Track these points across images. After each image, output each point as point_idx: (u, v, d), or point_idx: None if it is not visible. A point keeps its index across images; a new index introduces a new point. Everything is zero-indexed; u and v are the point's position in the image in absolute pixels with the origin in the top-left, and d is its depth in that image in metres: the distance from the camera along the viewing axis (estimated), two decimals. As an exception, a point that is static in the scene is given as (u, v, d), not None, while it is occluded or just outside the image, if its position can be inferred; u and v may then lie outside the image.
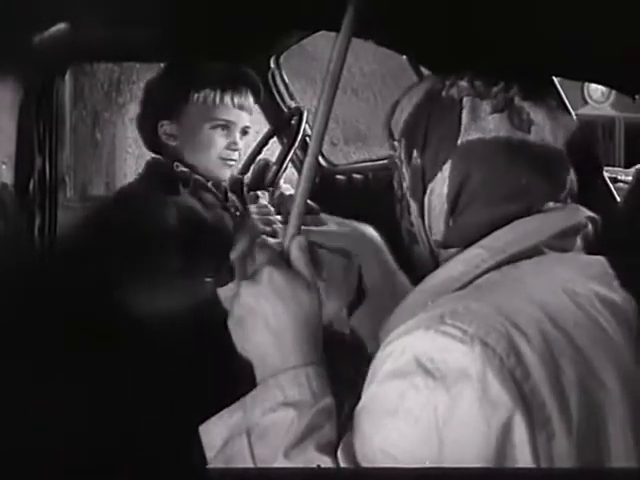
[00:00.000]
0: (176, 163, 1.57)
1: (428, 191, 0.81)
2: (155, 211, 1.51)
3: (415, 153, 0.81)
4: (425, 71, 1.80)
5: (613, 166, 5.13)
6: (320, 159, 2.57)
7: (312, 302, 0.73)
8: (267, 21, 1.63)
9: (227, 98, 1.56)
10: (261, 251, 0.75)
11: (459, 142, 0.78)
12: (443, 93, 0.81)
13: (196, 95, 1.55)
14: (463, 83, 0.80)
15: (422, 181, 0.81)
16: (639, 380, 0.69)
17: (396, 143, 0.85)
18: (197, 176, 1.58)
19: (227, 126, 1.57)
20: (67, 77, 2.08)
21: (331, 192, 2.49)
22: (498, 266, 0.74)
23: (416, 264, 0.86)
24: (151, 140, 1.63)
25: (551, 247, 0.75)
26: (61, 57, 1.88)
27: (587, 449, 0.62)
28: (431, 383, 0.61)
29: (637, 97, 0.99)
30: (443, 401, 0.61)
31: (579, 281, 0.71)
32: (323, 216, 0.96)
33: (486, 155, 0.77)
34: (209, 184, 1.61)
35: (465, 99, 0.79)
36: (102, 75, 3.71)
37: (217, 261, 0.85)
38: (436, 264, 0.82)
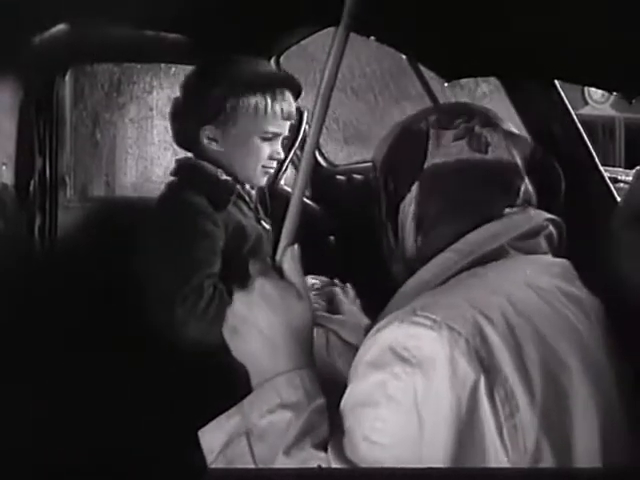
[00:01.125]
0: (220, 170, 1.52)
1: (400, 211, 0.91)
2: (206, 222, 1.44)
3: (389, 179, 0.93)
4: (425, 71, 1.80)
5: (613, 166, 5.13)
6: (320, 159, 2.57)
7: (303, 310, 0.77)
8: (267, 21, 1.63)
9: (277, 107, 1.50)
10: (254, 263, 0.79)
11: (425, 166, 0.89)
12: (414, 127, 0.93)
13: (246, 102, 1.48)
14: (432, 117, 0.93)
15: (394, 203, 0.92)
16: (602, 363, 0.75)
17: (377, 175, 0.96)
18: (239, 186, 1.53)
19: (274, 137, 1.53)
20: (67, 77, 2.07)
21: (331, 192, 2.49)
22: (468, 267, 0.82)
23: (398, 281, 0.92)
24: (188, 139, 1.56)
25: (516, 248, 0.83)
26: (61, 58, 1.88)
27: (551, 423, 0.68)
28: (409, 369, 0.68)
29: (634, 101, 1.01)
30: (421, 383, 0.67)
31: (543, 278, 0.79)
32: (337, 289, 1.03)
33: (448, 176, 0.88)
34: (247, 195, 1.57)
35: (431, 131, 0.91)
36: (102, 76, 3.71)
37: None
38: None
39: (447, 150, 0.89)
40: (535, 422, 0.66)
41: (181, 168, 1.58)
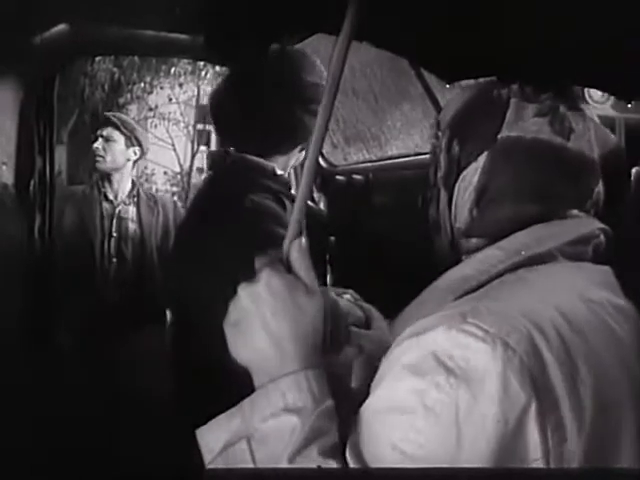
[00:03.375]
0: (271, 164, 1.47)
1: (460, 179, 0.84)
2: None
3: (455, 142, 0.85)
4: (426, 73, 1.80)
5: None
6: (320, 160, 2.57)
7: (311, 306, 0.72)
8: (265, 24, 1.63)
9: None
10: (260, 255, 0.75)
11: (499, 137, 0.82)
12: (494, 92, 0.85)
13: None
14: (514, 86, 0.84)
15: (457, 169, 0.85)
16: None
17: (440, 133, 0.89)
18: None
19: None
20: (68, 78, 2.07)
21: (331, 193, 2.49)
22: (513, 268, 0.76)
23: (436, 255, 0.88)
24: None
25: (564, 254, 0.77)
26: (62, 58, 1.88)
27: (596, 451, 0.63)
28: (453, 380, 0.62)
29: (633, 103, 1.00)
30: (465, 398, 0.61)
31: (592, 288, 0.73)
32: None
33: (522, 153, 0.81)
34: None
35: (513, 100, 0.83)
36: (102, 75, 3.71)
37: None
38: (455, 255, 0.85)
39: (525, 125, 0.81)
40: (580, 450, 0.62)
41: (231, 163, 1.48)
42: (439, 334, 0.65)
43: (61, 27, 1.62)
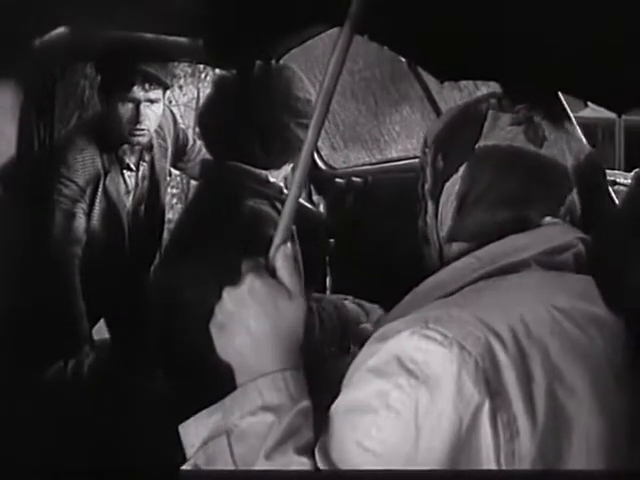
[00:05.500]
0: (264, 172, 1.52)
1: (444, 191, 0.89)
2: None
3: (439, 157, 0.91)
4: (425, 75, 1.81)
5: (613, 169, 5.14)
6: (319, 163, 2.57)
7: (292, 310, 0.76)
8: (268, 23, 1.63)
9: None
10: (246, 259, 0.78)
11: (476, 147, 0.87)
12: (473, 107, 0.91)
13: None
14: (493, 100, 0.90)
15: (441, 182, 0.90)
16: (618, 392, 0.73)
17: (427, 149, 0.94)
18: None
19: None
20: (67, 80, 2.07)
21: (331, 195, 2.50)
22: (488, 276, 0.80)
23: (424, 264, 0.91)
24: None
25: (540, 263, 0.81)
26: (61, 61, 1.88)
27: (548, 449, 0.67)
28: (414, 382, 0.66)
29: (623, 116, 1.01)
30: (424, 398, 0.66)
31: (562, 297, 0.76)
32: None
33: (497, 160, 0.85)
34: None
35: (490, 112, 0.88)
36: (102, 78, 3.70)
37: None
38: (442, 263, 0.88)
39: (501, 133, 0.86)
40: (533, 448, 0.66)
41: (224, 171, 1.53)
42: (402, 339, 0.69)
43: (61, 30, 1.62)
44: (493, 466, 0.65)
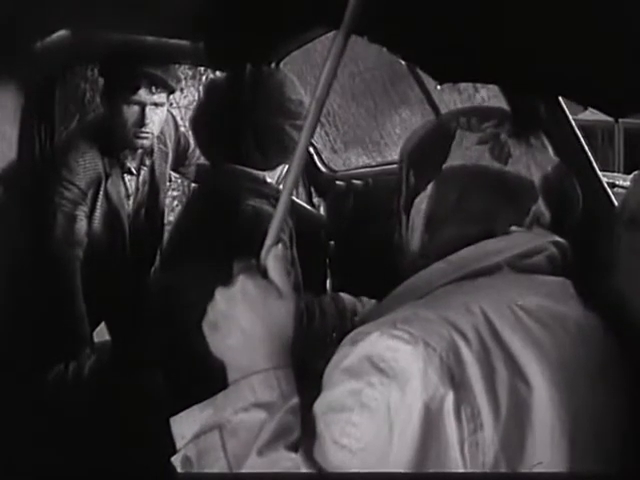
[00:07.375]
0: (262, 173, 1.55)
1: (413, 207, 0.93)
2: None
3: (411, 173, 0.94)
4: (424, 77, 1.81)
5: (612, 172, 5.14)
6: (320, 165, 2.58)
7: (283, 310, 0.78)
8: (268, 25, 1.64)
9: None
10: (238, 261, 0.80)
11: (444, 167, 0.90)
12: (444, 125, 0.94)
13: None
14: (462, 119, 0.93)
15: (411, 198, 0.94)
16: (586, 386, 0.76)
17: (402, 164, 0.97)
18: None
19: None
20: (68, 83, 2.08)
21: (331, 198, 2.50)
22: (458, 280, 0.83)
23: (400, 273, 0.93)
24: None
25: (512, 266, 0.84)
26: (62, 63, 1.89)
27: (511, 441, 0.70)
28: (385, 380, 0.69)
29: (620, 121, 1.02)
30: (395, 394, 0.69)
31: (529, 298, 0.79)
32: None
33: (464, 179, 0.89)
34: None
35: (458, 131, 0.92)
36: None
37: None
38: (414, 273, 0.91)
39: (468, 153, 0.89)
40: (496, 440, 0.68)
41: (220, 173, 1.57)
42: (373, 340, 0.72)
43: (61, 33, 1.63)
44: (458, 457, 0.68)
